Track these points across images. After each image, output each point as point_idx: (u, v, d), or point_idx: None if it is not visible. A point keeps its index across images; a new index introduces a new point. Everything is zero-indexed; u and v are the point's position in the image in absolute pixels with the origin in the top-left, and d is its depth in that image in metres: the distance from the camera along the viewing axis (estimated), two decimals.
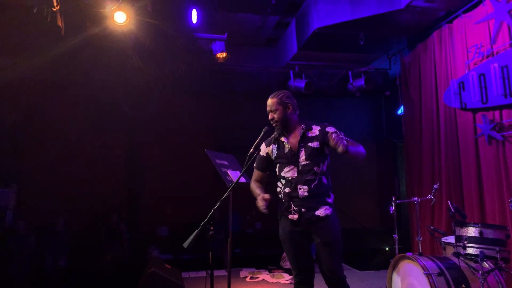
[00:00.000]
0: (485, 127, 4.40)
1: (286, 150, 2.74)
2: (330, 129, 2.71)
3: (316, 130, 2.73)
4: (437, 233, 4.12)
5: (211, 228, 2.46)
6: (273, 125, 2.77)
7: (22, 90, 6.03)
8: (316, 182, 2.65)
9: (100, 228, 6.43)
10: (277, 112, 2.74)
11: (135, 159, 7.46)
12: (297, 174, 2.67)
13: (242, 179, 2.79)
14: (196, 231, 2.32)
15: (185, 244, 2.30)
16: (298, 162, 2.68)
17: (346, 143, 2.49)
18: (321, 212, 2.62)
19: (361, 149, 2.64)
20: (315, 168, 2.65)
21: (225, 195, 2.59)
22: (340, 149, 2.47)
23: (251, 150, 2.71)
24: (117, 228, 6.42)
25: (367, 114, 8.64)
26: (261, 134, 2.73)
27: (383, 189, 8.30)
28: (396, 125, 7.33)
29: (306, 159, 2.68)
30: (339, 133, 2.64)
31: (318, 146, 2.68)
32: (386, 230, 7.25)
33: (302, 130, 2.74)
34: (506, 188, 4.16)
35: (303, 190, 2.65)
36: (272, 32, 7.23)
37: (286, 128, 2.77)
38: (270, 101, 2.77)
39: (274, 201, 2.67)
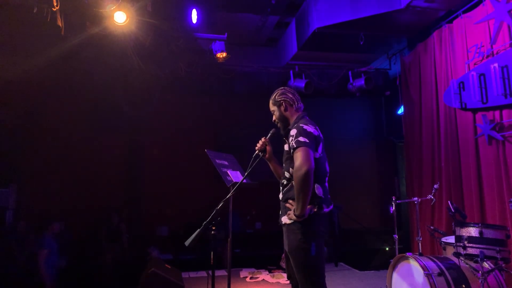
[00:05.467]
0: (485, 127, 4.40)
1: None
2: (292, 131, 2.51)
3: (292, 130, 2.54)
4: (437, 233, 4.12)
5: (213, 228, 2.45)
6: (277, 126, 2.73)
7: (22, 90, 6.02)
8: (287, 188, 2.56)
9: (100, 228, 6.42)
10: (275, 113, 2.72)
11: (135, 159, 7.46)
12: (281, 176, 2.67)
13: (247, 180, 2.76)
14: (199, 230, 2.31)
15: (187, 242, 2.30)
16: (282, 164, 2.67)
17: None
18: (285, 218, 2.52)
19: (301, 168, 2.31)
20: (285, 172, 2.58)
21: (229, 195, 2.58)
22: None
23: (256, 152, 2.68)
24: (117, 228, 6.42)
25: (367, 114, 8.65)
26: (269, 136, 2.72)
27: (383, 189, 8.31)
28: (396, 125, 7.33)
29: (283, 162, 2.63)
30: (294, 137, 2.44)
31: (288, 149, 2.54)
32: (386, 230, 7.26)
33: (286, 130, 2.63)
34: (506, 188, 4.16)
35: (280, 193, 2.64)
36: (272, 32, 7.23)
37: (286, 126, 2.67)
38: (269, 104, 2.75)
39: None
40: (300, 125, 2.51)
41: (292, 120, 2.65)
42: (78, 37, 4.66)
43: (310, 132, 2.47)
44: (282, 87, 2.79)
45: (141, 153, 7.50)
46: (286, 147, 2.60)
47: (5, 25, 4.53)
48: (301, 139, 2.41)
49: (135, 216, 7.14)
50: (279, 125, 2.72)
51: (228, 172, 3.48)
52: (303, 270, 2.42)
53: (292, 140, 2.44)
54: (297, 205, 2.36)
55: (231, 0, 6.03)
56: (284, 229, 2.55)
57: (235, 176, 3.49)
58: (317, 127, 2.58)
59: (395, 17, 5.38)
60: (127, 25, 4.47)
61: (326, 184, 2.61)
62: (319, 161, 2.52)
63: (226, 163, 3.61)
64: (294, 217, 2.41)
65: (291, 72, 6.78)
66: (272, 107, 2.73)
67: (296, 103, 2.69)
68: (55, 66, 5.50)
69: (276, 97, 2.70)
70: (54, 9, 3.98)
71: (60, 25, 4.13)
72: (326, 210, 2.51)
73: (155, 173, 7.40)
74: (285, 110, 2.68)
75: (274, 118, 2.74)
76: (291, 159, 2.48)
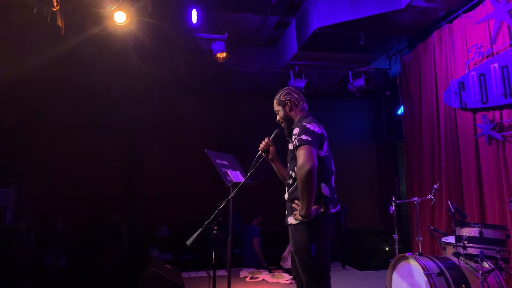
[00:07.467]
0: (485, 127, 4.40)
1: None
2: (295, 130, 2.49)
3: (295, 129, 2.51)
4: (437, 233, 4.12)
5: (215, 227, 2.45)
6: (281, 126, 2.71)
7: (22, 90, 6.03)
8: (293, 187, 2.53)
9: (100, 228, 6.42)
10: (279, 113, 2.71)
11: (135, 159, 7.46)
12: (287, 176, 2.66)
13: (248, 180, 2.76)
14: (200, 229, 2.31)
15: (188, 242, 2.30)
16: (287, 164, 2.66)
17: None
18: (291, 219, 2.49)
19: (303, 166, 2.29)
20: (290, 172, 2.56)
21: (230, 196, 2.57)
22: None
23: (259, 152, 2.68)
24: (117, 228, 6.42)
25: (367, 114, 8.64)
26: (272, 136, 2.72)
27: (383, 189, 8.30)
28: (396, 125, 7.33)
29: (288, 162, 2.61)
30: (296, 136, 2.44)
31: (292, 148, 2.52)
32: (386, 230, 7.25)
33: (290, 129, 2.61)
34: (506, 188, 4.16)
35: (285, 193, 2.62)
36: (272, 32, 7.23)
37: (290, 126, 2.65)
38: (274, 103, 2.74)
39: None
40: (303, 123, 2.49)
41: (296, 120, 2.64)
42: (78, 37, 4.66)
43: (313, 131, 2.45)
44: (287, 87, 2.78)
45: (141, 153, 7.50)
46: (290, 146, 2.58)
47: (5, 25, 4.53)
48: (303, 137, 2.40)
49: (135, 216, 7.14)
50: (283, 125, 2.70)
51: (228, 172, 3.48)
52: (308, 270, 2.41)
53: (295, 139, 2.44)
54: (302, 205, 2.34)
55: (231, 0, 6.03)
56: (290, 229, 2.54)
57: (235, 176, 3.49)
58: (321, 126, 2.56)
59: (395, 17, 5.38)
60: (127, 25, 4.47)
61: (333, 183, 2.58)
62: (324, 159, 2.50)
63: (226, 163, 3.62)
64: (300, 217, 2.38)
65: (291, 72, 6.77)
66: (277, 107, 2.71)
67: (301, 103, 2.68)
68: (55, 66, 5.51)
69: (281, 97, 2.68)
70: (54, 9, 3.98)
71: (60, 25, 4.13)
72: (333, 210, 2.48)
73: (155, 173, 7.40)
74: (290, 110, 2.66)
75: (278, 118, 2.72)
76: (295, 158, 2.46)
